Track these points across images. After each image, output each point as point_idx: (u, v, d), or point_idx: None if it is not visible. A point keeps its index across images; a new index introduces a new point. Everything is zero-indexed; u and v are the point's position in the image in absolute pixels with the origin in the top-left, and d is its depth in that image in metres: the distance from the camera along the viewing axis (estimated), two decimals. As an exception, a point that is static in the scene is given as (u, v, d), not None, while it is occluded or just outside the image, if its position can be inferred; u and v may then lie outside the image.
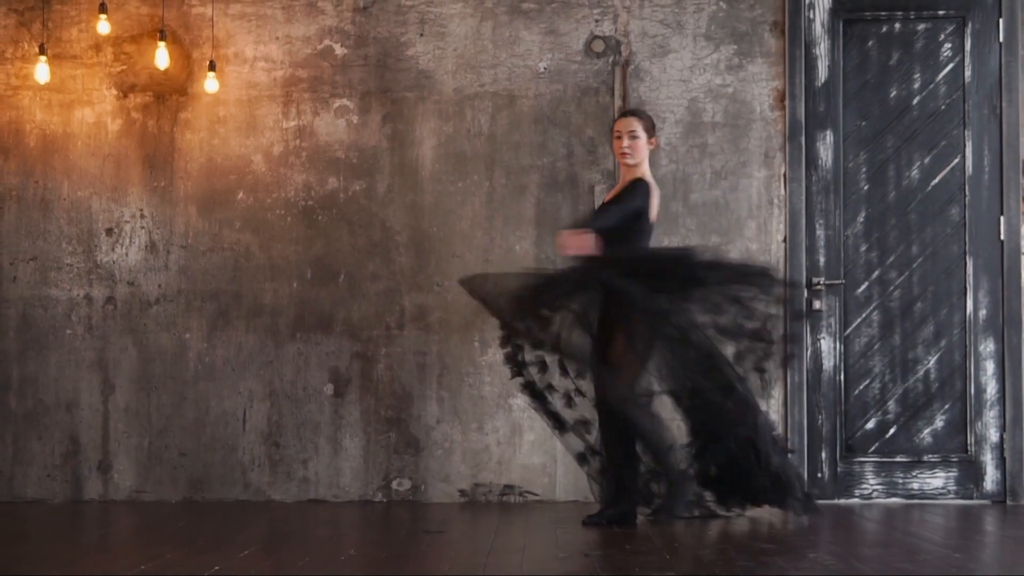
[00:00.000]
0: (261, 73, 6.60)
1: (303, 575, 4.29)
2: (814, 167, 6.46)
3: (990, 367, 6.39)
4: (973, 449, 6.39)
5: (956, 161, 6.44)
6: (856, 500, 6.39)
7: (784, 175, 6.45)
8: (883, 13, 6.48)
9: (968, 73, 6.45)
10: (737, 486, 5.63)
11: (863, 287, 6.45)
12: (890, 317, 6.44)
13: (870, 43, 6.49)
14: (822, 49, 6.48)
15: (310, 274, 6.55)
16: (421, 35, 6.59)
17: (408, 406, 6.50)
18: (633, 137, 5.68)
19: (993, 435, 6.38)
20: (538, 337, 5.58)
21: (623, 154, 5.69)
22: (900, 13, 6.48)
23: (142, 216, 6.60)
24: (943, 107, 6.46)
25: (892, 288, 6.44)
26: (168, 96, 6.63)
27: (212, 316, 6.56)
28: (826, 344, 6.43)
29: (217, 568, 4.40)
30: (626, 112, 5.91)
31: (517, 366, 5.70)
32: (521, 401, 6.13)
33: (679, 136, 6.49)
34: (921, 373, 6.42)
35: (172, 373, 6.55)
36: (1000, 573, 4.50)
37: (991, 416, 6.38)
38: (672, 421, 5.70)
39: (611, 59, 6.54)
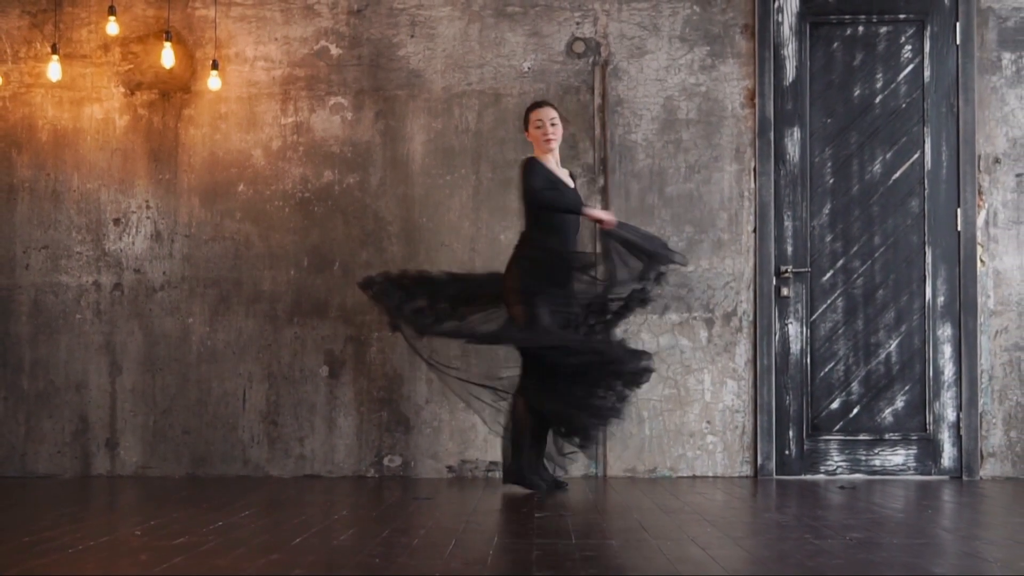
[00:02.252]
0: (261, 72, 6.96)
1: (300, 528, 4.65)
2: (782, 162, 6.83)
3: (947, 350, 6.76)
4: (931, 428, 6.76)
5: (916, 156, 6.81)
6: (822, 476, 6.76)
7: (754, 169, 6.82)
8: (847, 16, 6.86)
9: (927, 73, 6.82)
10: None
11: (828, 275, 6.82)
12: (854, 303, 6.81)
13: (835, 45, 6.86)
14: (790, 50, 6.85)
15: (306, 262, 6.90)
16: (412, 36, 6.94)
17: (399, 387, 6.84)
18: (553, 124, 6.14)
19: (950, 415, 6.75)
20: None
21: (549, 139, 6.14)
22: (863, 16, 6.85)
23: (148, 207, 6.95)
24: (904, 105, 6.83)
25: (855, 276, 6.81)
26: (173, 94, 6.98)
27: (214, 302, 6.91)
28: (793, 329, 6.79)
29: (220, 523, 4.77)
30: (543, 103, 6.26)
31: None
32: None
33: (655, 132, 6.86)
34: (883, 356, 6.79)
35: (176, 356, 6.91)
36: (941, 527, 4.88)
37: (948, 397, 6.75)
38: None
39: (591, 59, 6.90)
